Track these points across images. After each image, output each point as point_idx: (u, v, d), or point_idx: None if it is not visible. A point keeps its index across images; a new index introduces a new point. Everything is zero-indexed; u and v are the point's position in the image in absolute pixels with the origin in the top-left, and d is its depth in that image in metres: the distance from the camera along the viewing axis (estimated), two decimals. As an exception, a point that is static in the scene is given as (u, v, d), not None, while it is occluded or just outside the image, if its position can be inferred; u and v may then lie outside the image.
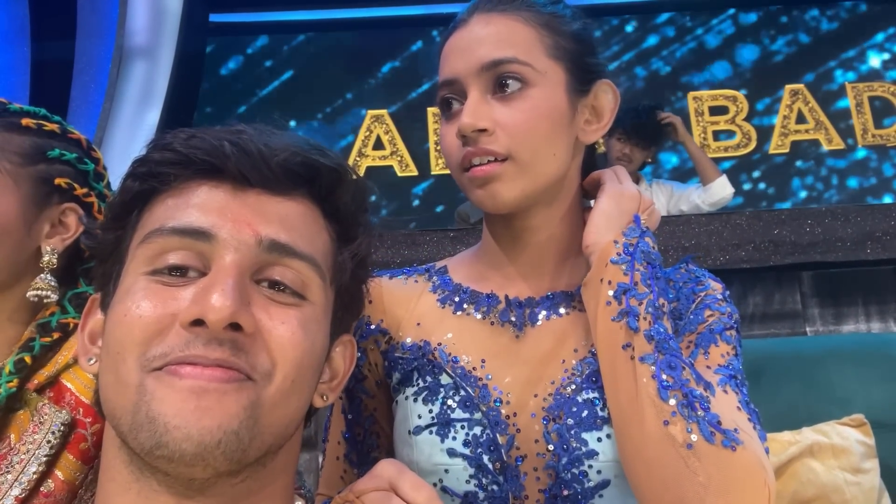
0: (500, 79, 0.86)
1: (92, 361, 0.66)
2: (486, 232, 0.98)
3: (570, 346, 0.89)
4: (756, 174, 4.71)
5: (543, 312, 0.91)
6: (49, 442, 0.93)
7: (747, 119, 4.78)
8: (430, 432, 0.86)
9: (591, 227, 0.88)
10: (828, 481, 1.41)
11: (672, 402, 0.76)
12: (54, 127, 1.03)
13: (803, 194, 4.68)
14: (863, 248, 2.01)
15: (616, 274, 0.83)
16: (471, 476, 0.85)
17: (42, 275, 0.99)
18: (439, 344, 0.91)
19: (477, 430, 0.85)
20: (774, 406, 1.58)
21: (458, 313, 0.93)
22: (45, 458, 0.92)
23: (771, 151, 4.72)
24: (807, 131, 4.72)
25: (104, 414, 0.62)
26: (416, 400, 0.89)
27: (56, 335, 0.99)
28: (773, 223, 2.05)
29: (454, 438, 0.85)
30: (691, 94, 4.80)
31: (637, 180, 3.34)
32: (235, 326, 0.57)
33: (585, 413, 0.84)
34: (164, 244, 0.61)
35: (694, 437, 0.74)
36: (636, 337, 0.80)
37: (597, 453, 0.82)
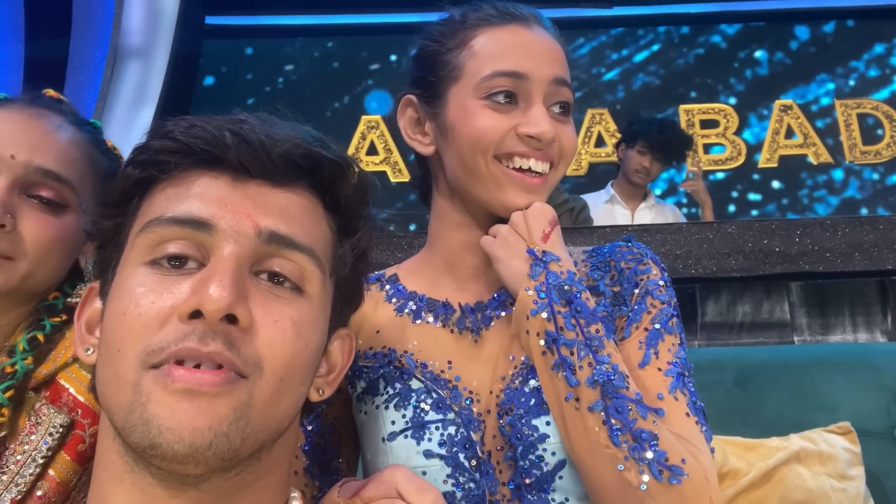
0: (562, 99, 0.93)
1: (90, 352, 0.66)
2: (436, 238, 1.00)
3: (517, 342, 0.91)
4: (744, 186, 4.75)
5: (494, 313, 0.94)
6: (46, 444, 0.92)
7: (737, 133, 4.82)
8: (406, 436, 0.88)
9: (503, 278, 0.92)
10: (814, 487, 1.43)
11: (623, 446, 0.79)
12: (116, 151, 1.04)
13: (791, 207, 4.72)
14: (850, 259, 2.03)
15: (540, 323, 0.86)
16: (448, 476, 0.86)
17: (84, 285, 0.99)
18: (405, 351, 0.93)
19: (451, 429, 0.88)
20: (762, 412, 1.60)
21: (418, 322, 0.96)
22: (42, 461, 0.91)
23: (760, 165, 4.77)
24: (797, 146, 4.77)
25: (100, 403, 0.62)
26: (387, 407, 0.90)
27: (63, 317, 0.98)
28: (763, 233, 2.07)
29: (430, 440, 0.87)
30: (682, 108, 4.85)
31: (645, 195, 3.34)
32: (231, 318, 0.57)
33: (533, 401, 0.87)
34: (164, 234, 0.61)
35: (646, 478, 0.78)
36: (579, 389, 0.82)
37: (548, 436, 0.85)
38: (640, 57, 5.03)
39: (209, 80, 4.95)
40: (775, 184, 4.75)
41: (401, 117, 0.99)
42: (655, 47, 5.06)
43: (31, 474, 0.91)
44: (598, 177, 4.45)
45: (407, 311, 0.97)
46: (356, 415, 0.96)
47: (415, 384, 0.90)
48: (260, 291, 0.61)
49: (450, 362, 0.92)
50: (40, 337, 0.96)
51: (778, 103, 4.84)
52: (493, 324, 0.94)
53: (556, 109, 0.93)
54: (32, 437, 0.93)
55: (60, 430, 0.92)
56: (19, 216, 0.92)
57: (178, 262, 0.61)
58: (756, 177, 4.76)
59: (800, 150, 4.77)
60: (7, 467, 0.92)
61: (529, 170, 0.91)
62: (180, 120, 0.65)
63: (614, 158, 4.63)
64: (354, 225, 0.70)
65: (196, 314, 0.57)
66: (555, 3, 4.25)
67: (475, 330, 0.94)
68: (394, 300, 0.99)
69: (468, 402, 0.89)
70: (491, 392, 0.90)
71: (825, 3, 4.98)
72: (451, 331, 0.95)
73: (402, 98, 0.99)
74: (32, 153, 0.92)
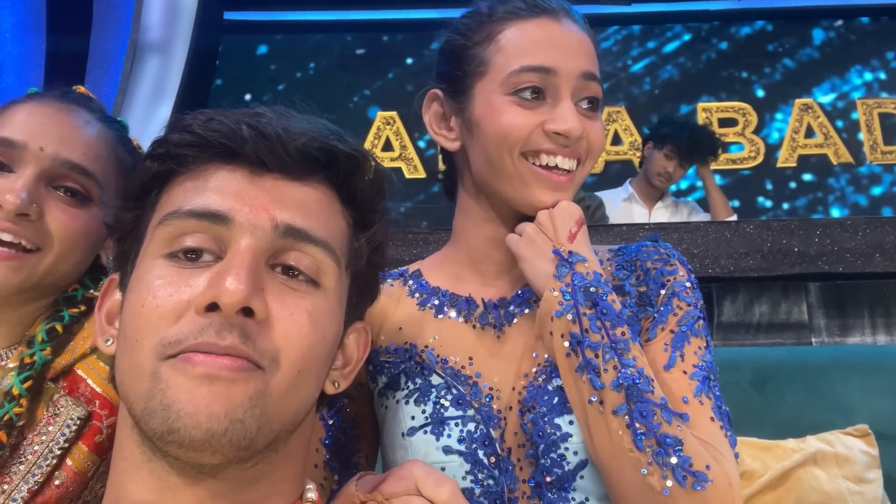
0: (590, 94, 0.92)
1: (109, 342, 0.67)
2: (461, 233, 0.99)
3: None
4: (762, 186, 4.71)
5: (517, 309, 0.94)
6: (64, 436, 0.93)
7: (756, 132, 4.78)
8: (425, 432, 0.88)
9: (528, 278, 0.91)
10: (831, 489, 1.41)
11: (647, 450, 0.79)
12: (140, 150, 1.04)
13: (810, 207, 4.67)
14: (870, 260, 2.01)
15: (565, 325, 0.86)
16: (467, 472, 0.86)
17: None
18: (426, 346, 0.93)
19: (471, 426, 0.87)
20: (779, 413, 1.59)
21: (440, 316, 0.96)
22: (59, 452, 0.92)
23: (779, 165, 4.72)
24: (816, 146, 4.72)
25: (118, 393, 0.63)
26: (407, 402, 0.90)
27: (82, 307, 0.99)
28: (782, 233, 2.05)
29: (449, 436, 0.87)
30: (701, 106, 4.81)
31: (662, 195, 3.31)
32: (247, 311, 0.58)
33: (556, 400, 0.86)
34: (182, 227, 0.62)
35: (669, 483, 0.78)
36: (603, 392, 0.82)
37: (570, 435, 0.85)
38: (663, 52, 5.00)
39: (226, 76, 4.97)
40: (794, 183, 4.70)
41: (426, 112, 0.98)
42: (674, 45, 5.02)
43: (47, 465, 0.92)
44: (612, 175, 4.42)
45: (429, 305, 0.96)
46: (377, 410, 0.96)
47: (435, 380, 0.90)
48: (276, 284, 0.61)
49: (471, 358, 0.92)
50: (59, 328, 0.97)
51: (798, 102, 4.79)
52: (515, 320, 0.94)
53: (585, 105, 0.92)
54: (50, 429, 0.94)
55: (78, 422, 0.93)
56: (45, 207, 0.93)
57: (194, 255, 0.61)
58: (775, 176, 4.72)
59: (819, 150, 4.71)
60: (25, 457, 0.93)
61: (556, 167, 0.90)
62: (198, 113, 0.65)
63: (630, 157, 4.63)
64: (370, 218, 0.70)
65: (213, 307, 0.57)
66: None
67: (498, 326, 0.93)
68: (416, 295, 0.98)
69: (488, 399, 0.89)
70: (513, 388, 0.90)
71: (846, 1, 4.92)
72: (474, 326, 0.94)
73: (427, 92, 0.98)
74: (60, 146, 0.93)
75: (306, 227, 0.63)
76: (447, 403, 0.88)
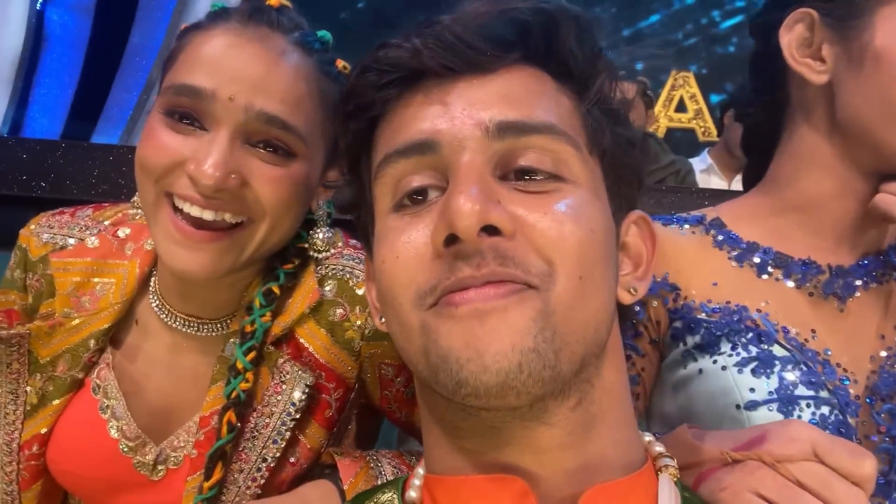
0: None
1: (382, 320, 0.62)
2: (789, 181, 0.87)
3: (892, 321, 0.83)
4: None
5: (859, 282, 0.84)
6: (294, 405, 0.87)
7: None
8: (770, 409, 0.79)
9: None
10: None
11: None
12: (347, 71, 0.89)
13: None
14: None
15: None
16: None
17: (320, 234, 0.92)
18: (758, 310, 0.83)
19: (825, 409, 0.78)
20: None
21: (764, 277, 0.85)
22: (291, 423, 0.87)
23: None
24: None
25: (405, 362, 0.58)
26: (741, 370, 0.81)
27: (296, 262, 0.92)
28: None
29: (799, 417, 0.78)
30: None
31: (742, 166, 3.22)
32: (491, 230, 0.51)
33: None
34: (394, 172, 0.57)
35: None
36: None
37: None
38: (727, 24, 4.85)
39: None
40: None
41: (785, 34, 0.84)
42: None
43: (282, 439, 0.87)
44: (673, 143, 4.33)
45: (748, 262, 0.86)
46: (672, 369, 0.87)
47: (777, 350, 0.81)
48: (514, 194, 0.54)
49: (813, 331, 0.82)
50: (276, 289, 0.89)
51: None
52: (857, 294, 0.84)
53: None
54: (278, 397, 0.88)
55: (306, 390, 0.87)
56: (246, 172, 0.79)
57: (421, 197, 0.56)
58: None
59: None
60: (258, 431, 0.88)
61: None
62: (372, 52, 0.59)
63: (692, 125, 4.52)
64: (592, 79, 0.60)
65: (452, 239, 0.51)
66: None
67: (842, 297, 0.83)
68: (726, 248, 0.88)
69: (844, 382, 0.80)
70: (856, 374, 0.81)
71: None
72: (810, 294, 0.84)
73: (793, 11, 0.83)
74: (254, 93, 0.78)
75: (521, 118, 0.55)
76: (795, 380, 0.79)
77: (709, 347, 0.84)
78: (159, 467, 0.90)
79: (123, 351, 0.94)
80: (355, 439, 0.99)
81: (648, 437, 0.61)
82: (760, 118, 0.92)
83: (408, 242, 0.54)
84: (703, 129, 4.56)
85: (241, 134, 0.79)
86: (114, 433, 0.91)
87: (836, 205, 0.84)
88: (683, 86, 4.63)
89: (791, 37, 0.83)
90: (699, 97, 4.59)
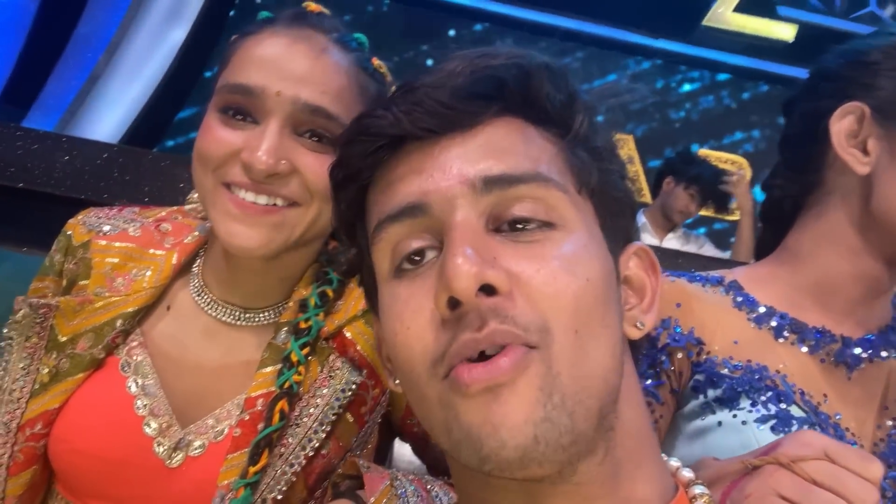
0: None
1: (396, 382, 0.62)
2: (807, 256, 0.92)
3: (893, 395, 0.87)
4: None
5: (864, 354, 0.89)
6: (339, 401, 0.90)
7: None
8: None
9: None
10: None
11: None
12: (385, 71, 0.97)
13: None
14: None
15: None
16: None
17: None
18: (777, 371, 0.87)
19: None
20: None
21: (781, 341, 0.90)
22: (333, 418, 0.90)
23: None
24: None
25: (426, 430, 0.58)
26: (760, 426, 0.84)
27: (345, 267, 0.94)
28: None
29: None
30: (701, 151, 4.93)
31: (673, 227, 3.35)
32: (489, 290, 0.51)
33: None
34: (389, 237, 0.57)
35: None
36: None
37: None
38: (677, 92, 5.12)
39: (244, 6, 4.78)
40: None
41: (836, 122, 0.88)
42: (690, 87, 5.14)
43: (323, 430, 0.89)
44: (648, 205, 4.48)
45: (766, 326, 0.90)
46: (688, 419, 0.90)
47: (795, 411, 0.84)
48: (510, 247, 0.54)
49: (825, 395, 0.86)
50: (330, 292, 0.94)
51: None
52: (862, 365, 0.89)
53: None
54: (325, 391, 0.90)
55: (353, 387, 0.91)
56: (294, 159, 0.86)
57: (419, 257, 0.56)
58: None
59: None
60: (301, 420, 0.89)
61: None
62: (352, 124, 0.60)
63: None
64: (571, 120, 0.60)
65: (454, 302, 0.51)
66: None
67: (851, 367, 0.88)
68: (745, 309, 0.92)
69: (853, 446, 0.82)
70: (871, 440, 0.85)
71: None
72: (822, 360, 0.88)
73: (847, 104, 0.89)
74: (299, 87, 0.85)
75: (507, 170, 0.55)
76: None
77: (729, 402, 0.86)
78: (178, 453, 0.87)
79: (156, 334, 0.95)
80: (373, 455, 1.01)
81: (675, 464, 0.61)
82: (788, 192, 0.96)
83: (416, 311, 0.54)
84: (637, 191, 4.75)
85: (290, 124, 0.86)
86: (141, 411, 0.89)
87: (851, 285, 0.90)
88: (623, 147, 4.83)
89: (841, 126, 0.88)
90: (637, 160, 4.79)
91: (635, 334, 0.60)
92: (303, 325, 0.92)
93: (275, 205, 0.87)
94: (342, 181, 0.62)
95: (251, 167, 0.84)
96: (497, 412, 0.50)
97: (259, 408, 0.88)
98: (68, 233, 1.01)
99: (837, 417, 0.86)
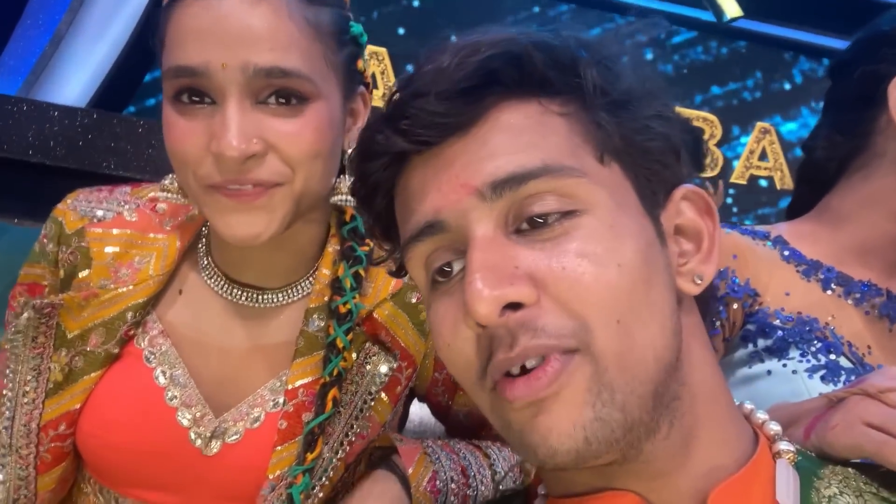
0: None
1: None
2: (851, 216, 0.95)
3: None
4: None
5: None
6: (375, 386, 0.90)
7: (718, 145, 4.97)
8: None
9: None
10: None
11: None
12: None
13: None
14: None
15: None
16: None
17: (345, 183, 0.91)
18: (826, 323, 0.91)
19: None
20: None
21: (828, 293, 0.93)
22: (372, 402, 0.90)
23: (731, 180, 4.94)
24: (766, 169, 4.97)
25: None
26: (811, 376, 0.87)
27: (371, 242, 0.93)
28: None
29: None
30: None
31: None
32: (514, 306, 0.51)
33: None
34: (417, 255, 0.58)
35: None
36: None
37: None
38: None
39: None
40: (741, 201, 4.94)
41: (894, 90, 0.92)
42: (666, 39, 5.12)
43: (363, 416, 0.89)
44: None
45: (814, 278, 0.94)
46: (735, 366, 0.92)
47: (844, 362, 0.88)
48: (530, 249, 0.53)
49: (869, 347, 0.90)
50: (362, 272, 0.91)
51: (759, 125, 5.01)
52: None
53: None
54: (361, 378, 0.90)
55: (389, 373, 0.90)
56: (264, 133, 0.79)
57: (449, 269, 0.57)
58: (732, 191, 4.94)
59: (769, 174, 4.96)
60: (343, 406, 0.89)
61: None
62: (360, 140, 0.62)
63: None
64: (579, 82, 0.55)
65: (482, 324, 0.53)
66: None
67: (893, 319, 0.92)
68: (793, 262, 0.95)
69: None
70: None
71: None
72: (867, 312, 0.93)
73: None
74: (243, 52, 0.77)
75: (514, 170, 0.53)
76: None
77: (778, 352, 0.90)
78: (215, 442, 0.87)
79: (174, 321, 0.92)
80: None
81: (762, 417, 0.61)
82: (833, 154, 0.98)
83: (452, 329, 0.55)
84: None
85: (248, 96, 0.79)
86: (174, 402, 0.87)
87: (892, 247, 0.94)
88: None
89: None
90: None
91: (694, 290, 0.57)
92: (342, 310, 0.89)
93: (260, 186, 0.82)
94: (364, 197, 0.63)
95: (222, 157, 0.78)
96: (543, 423, 0.51)
97: (301, 398, 0.87)
98: (59, 219, 0.96)
99: (880, 368, 0.88)
